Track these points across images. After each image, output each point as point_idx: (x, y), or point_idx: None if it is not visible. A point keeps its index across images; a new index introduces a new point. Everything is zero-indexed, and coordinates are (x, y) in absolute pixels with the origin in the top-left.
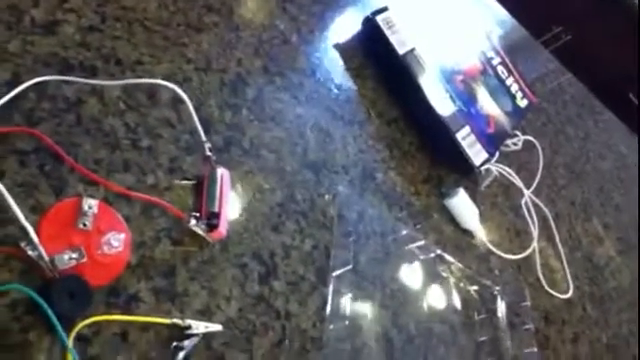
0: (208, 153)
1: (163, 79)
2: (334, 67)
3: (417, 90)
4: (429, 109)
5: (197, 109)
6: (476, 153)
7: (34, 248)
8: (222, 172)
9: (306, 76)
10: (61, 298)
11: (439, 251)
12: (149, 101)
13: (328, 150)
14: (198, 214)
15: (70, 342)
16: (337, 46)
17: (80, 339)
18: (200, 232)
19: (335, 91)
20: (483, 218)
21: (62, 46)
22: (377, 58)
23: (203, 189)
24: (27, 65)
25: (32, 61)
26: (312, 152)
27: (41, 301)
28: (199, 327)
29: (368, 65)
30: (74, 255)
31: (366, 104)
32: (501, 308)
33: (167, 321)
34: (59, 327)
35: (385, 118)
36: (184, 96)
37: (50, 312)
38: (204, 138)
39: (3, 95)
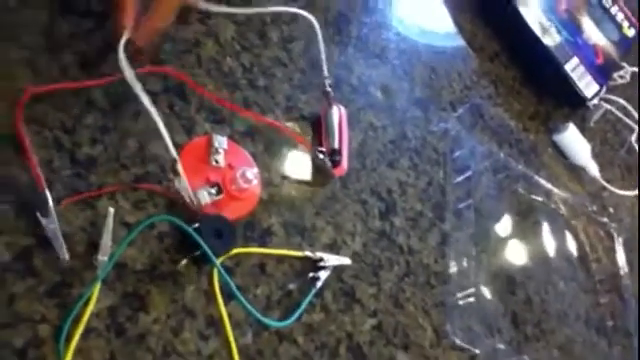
0: (328, 89)
1: (272, 20)
2: (432, 1)
3: (520, 21)
4: (534, 40)
5: (306, 48)
6: (587, 85)
7: (179, 182)
8: (339, 108)
9: (406, 12)
10: (209, 236)
11: (551, 187)
12: (260, 41)
13: (434, 87)
14: (323, 149)
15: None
16: None
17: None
18: (326, 166)
19: (435, 26)
20: (594, 154)
21: None
22: None
23: (322, 126)
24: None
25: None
26: (419, 89)
27: (191, 230)
28: (330, 260)
29: None
30: (212, 191)
31: (466, 38)
32: (619, 245)
33: (300, 254)
34: (209, 252)
35: (487, 52)
36: (317, 26)
37: (200, 240)
38: (326, 73)
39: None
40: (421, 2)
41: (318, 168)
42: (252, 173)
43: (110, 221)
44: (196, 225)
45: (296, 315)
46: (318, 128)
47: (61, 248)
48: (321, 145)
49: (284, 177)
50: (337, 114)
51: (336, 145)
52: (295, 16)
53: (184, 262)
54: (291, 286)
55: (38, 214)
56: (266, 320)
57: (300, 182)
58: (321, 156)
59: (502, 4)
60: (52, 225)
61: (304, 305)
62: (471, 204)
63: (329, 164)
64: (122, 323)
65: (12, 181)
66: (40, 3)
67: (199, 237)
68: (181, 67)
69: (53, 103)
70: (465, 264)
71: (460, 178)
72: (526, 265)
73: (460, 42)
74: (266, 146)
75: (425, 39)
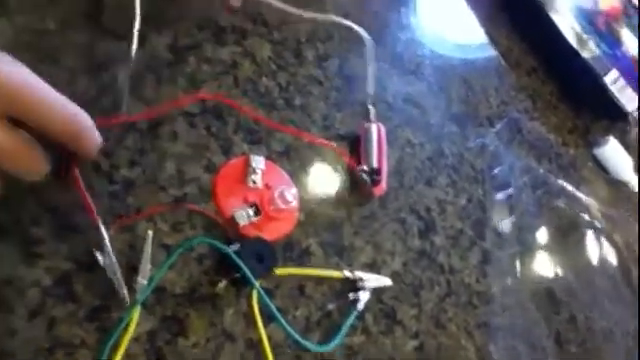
0: (370, 106)
1: (307, 39)
2: (466, 16)
3: (556, 34)
4: (571, 53)
5: (341, 66)
6: (628, 98)
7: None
8: (379, 126)
9: (440, 28)
10: (249, 259)
11: (592, 203)
12: (296, 60)
13: (470, 102)
14: (365, 167)
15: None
16: None
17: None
18: (367, 185)
19: (470, 41)
20: (636, 168)
21: (213, 9)
22: (510, 3)
23: (361, 144)
24: (183, 30)
25: (187, 25)
26: (455, 105)
27: (232, 254)
28: (370, 280)
29: (501, 11)
30: (250, 212)
31: (502, 52)
32: None
33: (340, 275)
34: (250, 275)
35: (523, 67)
36: (367, 38)
37: (242, 264)
38: (371, 91)
39: (167, 59)
40: (455, 18)
41: (355, 187)
42: (290, 194)
43: (149, 244)
44: (236, 247)
45: (337, 339)
46: (357, 146)
47: (120, 286)
48: (359, 164)
49: (321, 196)
50: (376, 132)
51: (375, 164)
52: (330, 34)
53: (222, 284)
54: (330, 307)
55: (94, 251)
56: (307, 344)
57: (338, 201)
58: (364, 175)
59: (537, 18)
60: (109, 261)
61: (345, 329)
62: (512, 221)
63: (370, 183)
64: (161, 348)
65: (58, 208)
66: (80, 25)
67: (240, 260)
68: (217, 88)
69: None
70: (508, 283)
71: (500, 195)
72: (569, 283)
73: (496, 58)
74: (303, 165)
75: (460, 55)
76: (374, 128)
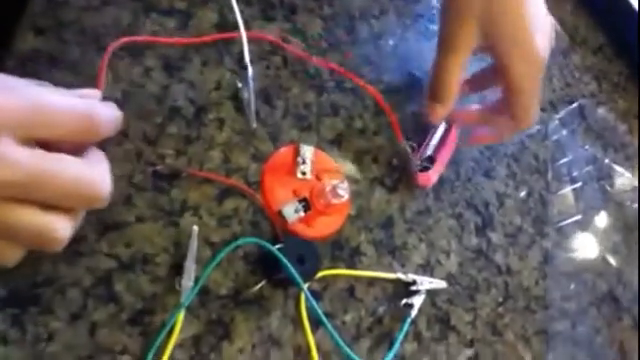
0: None
1: (360, 13)
2: None
3: (626, 7)
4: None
5: (396, 45)
6: None
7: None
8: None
9: None
10: (291, 262)
11: None
12: (349, 38)
13: None
14: (416, 146)
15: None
16: None
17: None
18: (410, 156)
19: None
20: None
21: None
22: None
23: (429, 133)
24: (230, 5)
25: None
26: None
27: (281, 256)
28: (423, 283)
29: None
30: (300, 207)
31: (568, 30)
32: None
33: (392, 276)
34: (297, 277)
35: (590, 45)
36: None
37: (289, 266)
38: None
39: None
40: None
41: (409, 178)
42: (343, 188)
43: (194, 242)
44: (279, 246)
45: (391, 355)
46: (424, 136)
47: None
48: (419, 149)
49: (373, 189)
50: (444, 128)
51: (432, 153)
52: (385, 9)
53: (261, 284)
54: (382, 312)
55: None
56: (357, 358)
57: (390, 193)
58: (409, 149)
59: None
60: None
61: (398, 342)
62: (575, 218)
63: (416, 164)
64: (206, 354)
65: None
66: (123, 1)
67: (287, 261)
68: (265, 69)
69: (135, 111)
70: (569, 286)
71: (563, 190)
72: (633, 286)
73: (561, 34)
74: (355, 155)
75: None
76: (444, 125)
